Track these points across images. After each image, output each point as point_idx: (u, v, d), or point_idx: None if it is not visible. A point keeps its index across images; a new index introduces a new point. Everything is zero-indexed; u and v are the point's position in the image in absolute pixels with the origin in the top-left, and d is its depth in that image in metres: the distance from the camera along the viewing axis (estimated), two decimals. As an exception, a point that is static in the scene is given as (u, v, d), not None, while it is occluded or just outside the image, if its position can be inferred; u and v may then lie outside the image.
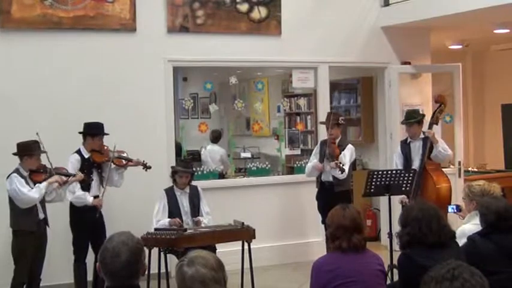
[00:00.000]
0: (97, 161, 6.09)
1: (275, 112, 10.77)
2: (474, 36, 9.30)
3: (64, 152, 6.03)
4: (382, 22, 8.14)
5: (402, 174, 6.18)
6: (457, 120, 8.44)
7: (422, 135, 6.81)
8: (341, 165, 6.48)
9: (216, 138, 9.81)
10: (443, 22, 7.71)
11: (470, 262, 2.41)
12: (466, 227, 4.46)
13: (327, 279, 3.43)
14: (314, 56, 7.85)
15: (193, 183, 6.46)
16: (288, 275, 7.17)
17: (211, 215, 6.35)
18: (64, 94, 6.73)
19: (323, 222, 6.25)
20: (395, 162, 6.96)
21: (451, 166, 8.30)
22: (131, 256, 2.58)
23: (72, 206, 6.02)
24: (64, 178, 5.74)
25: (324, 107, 7.93)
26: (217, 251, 5.69)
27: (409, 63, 8.33)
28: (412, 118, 6.85)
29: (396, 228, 3.92)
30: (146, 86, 7.10)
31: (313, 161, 6.94)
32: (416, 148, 6.81)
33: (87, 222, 5.99)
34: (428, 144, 6.70)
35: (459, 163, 8.32)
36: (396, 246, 4.42)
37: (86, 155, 6.05)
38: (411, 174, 6.21)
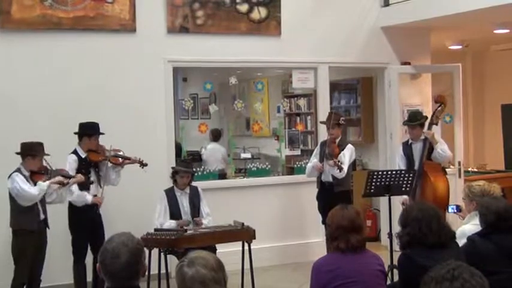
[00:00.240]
0: (94, 160, 6.10)
1: (275, 112, 10.77)
2: (474, 37, 9.31)
3: (64, 152, 6.03)
4: (382, 22, 8.14)
5: (402, 175, 6.18)
6: (457, 121, 8.44)
7: (422, 137, 6.81)
8: (339, 163, 6.48)
9: (216, 136, 9.83)
10: (443, 22, 7.71)
11: (470, 262, 2.41)
12: (466, 227, 4.46)
13: (327, 279, 3.43)
14: (314, 56, 7.85)
15: (193, 183, 6.46)
16: (288, 276, 7.17)
17: (212, 216, 6.35)
18: (64, 94, 6.73)
19: (323, 222, 6.24)
20: (398, 164, 6.96)
21: (451, 166, 8.30)
22: (131, 257, 2.58)
23: (70, 207, 6.02)
24: (66, 179, 5.74)
25: (324, 108, 7.93)
26: (217, 251, 5.69)
27: (409, 63, 8.33)
28: (416, 120, 6.84)
29: (396, 228, 3.92)
30: (146, 87, 7.10)
31: (313, 160, 6.94)
32: (418, 149, 6.82)
33: (86, 223, 5.99)
34: (428, 145, 6.71)
35: (459, 163, 8.33)
36: (396, 247, 4.42)
37: (83, 155, 6.05)
38: (411, 175, 6.22)
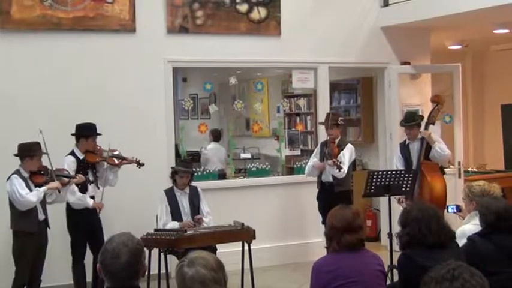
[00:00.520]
0: (91, 161, 6.09)
1: (275, 112, 10.77)
2: (474, 37, 9.31)
3: (64, 153, 6.03)
4: (381, 22, 8.14)
5: (402, 175, 6.18)
6: (456, 121, 8.44)
7: (419, 136, 6.83)
8: (338, 163, 6.48)
9: (217, 137, 9.84)
10: (443, 22, 7.71)
11: (470, 262, 2.41)
12: (466, 228, 4.46)
13: (327, 279, 3.43)
14: (314, 56, 7.85)
15: (193, 183, 6.46)
16: (288, 276, 7.17)
17: (212, 216, 6.35)
18: (64, 95, 6.73)
19: (323, 222, 6.24)
20: (396, 165, 6.97)
21: (451, 166, 8.30)
22: (131, 257, 2.58)
23: (68, 209, 6.02)
24: (65, 180, 5.73)
25: (323, 108, 7.93)
26: (217, 251, 5.69)
27: (408, 63, 8.33)
28: (413, 120, 6.86)
29: (396, 228, 3.92)
30: (146, 87, 7.10)
31: (313, 160, 6.94)
32: (415, 149, 6.84)
33: (84, 224, 5.98)
34: (425, 145, 6.73)
35: (459, 163, 8.32)
36: (396, 247, 4.42)
37: (81, 156, 6.05)
38: (411, 175, 6.22)
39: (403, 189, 6.17)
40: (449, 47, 9.93)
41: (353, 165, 7.27)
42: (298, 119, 10.26)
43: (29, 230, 5.55)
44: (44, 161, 5.70)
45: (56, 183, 5.64)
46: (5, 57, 6.59)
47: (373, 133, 9.04)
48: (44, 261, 5.78)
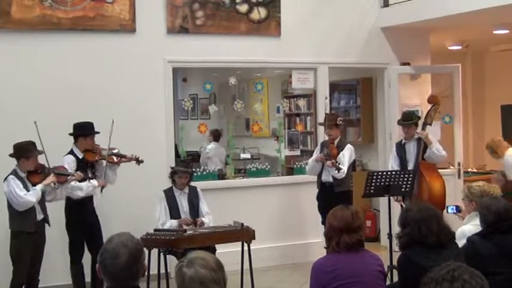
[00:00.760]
0: (91, 160, 6.09)
1: (275, 113, 10.78)
2: (474, 37, 9.31)
3: (63, 152, 6.03)
4: (381, 23, 8.14)
5: (402, 175, 6.19)
6: (456, 121, 8.44)
7: (416, 136, 6.85)
8: (337, 164, 6.48)
9: (217, 137, 9.86)
10: (443, 23, 7.72)
11: (470, 263, 2.41)
12: (466, 228, 4.46)
13: (327, 280, 3.43)
14: (314, 56, 7.85)
15: (193, 183, 6.46)
16: (288, 276, 7.17)
17: (211, 215, 6.34)
18: (63, 95, 6.73)
19: (323, 223, 6.24)
20: (391, 164, 6.99)
21: (451, 167, 8.31)
22: (131, 257, 2.58)
23: (68, 209, 6.01)
24: (64, 177, 5.73)
25: (323, 108, 7.91)
26: (217, 251, 5.69)
27: (408, 64, 8.33)
28: (411, 119, 6.91)
29: (396, 229, 3.92)
30: (146, 87, 7.10)
31: (315, 155, 6.92)
32: (411, 149, 6.88)
33: (83, 224, 5.98)
34: (422, 145, 6.75)
35: (459, 164, 8.32)
36: (396, 247, 4.42)
37: (80, 155, 6.05)
38: (411, 175, 6.22)
39: (403, 189, 6.18)
40: (449, 48, 9.94)
41: (353, 166, 7.27)
42: (298, 119, 10.26)
43: (27, 229, 5.54)
44: (43, 160, 5.70)
45: (51, 178, 5.62)
46: (4, 57, 6.59)
47: (372, 133, 9.04)
48: (42, 261, 5.78)
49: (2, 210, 5.72)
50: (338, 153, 6.70)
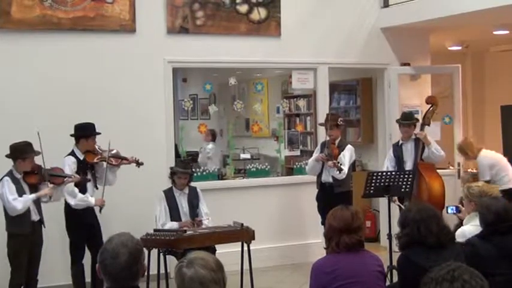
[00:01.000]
0: (91, 161, 6.08)
1: (274, 113, 10.78)
2: (474, 38, 9.31)
3: (63, 152, 6.02)
4: (381, 23, 8.14)
5: (401, 176, 6.19)
6: (456, 122, 8.44)
7: (413, 137, 6.86)
8: (339, 164, 6.49)
9: (215, 136, 9.87)
10: (443, 23, 7.72)
11: (470, 264, 2.40)
12: (466, 228, 4.46)
13: (327, 280, 3.42)
14: (314, 57, 7.85)
15: (193, 184, 6.45)
16: (288, 276, 7.17)
17: (211, 216, 6.35)
18: (63, 95, 6.73)
19: (323, 223, 6.25)
20: (387, 165, 7.00)
21: (451, 167, 8.31)
22: (131, 257, 2.57)
23: (67, 210, 6.00)
24: (60, 179, 5.70)
25: (323, 108, 7.93)
26: (216, 252, 5.69)
27: (408, 64, 8.33)
28: (411, 119, 6.95)
29: (395, 229, 3.92)
30: (146, 87, 7.10)
31: (315, 155, 6.92)
32: (408, 150, 6.90)
33: (83, 225, 5.97)
34: (421, 145, 6.76)
35: (458, 164, 8.32)
36: (395, 247, 4.42)
37: (81, 157, 6.04)
38: (410, 176, 6.22)
39: (403, 189, 6.17)
40: (449, 48, 9.94)
41: (353, 166, 7.27)
42: (297, 119, 10.26)
43: (21, 231, 5.52)
44: (39, 160, 5.67)
45: (46, 190, 5.61)
46: (4, 57, 6.59)
47: (372, 134, 9.04)
48: (40, 261, 5.76)
49: (0, 210, 5.72)
50: (339, 154, 6.70)
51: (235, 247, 6.08)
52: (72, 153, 6.02)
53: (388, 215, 6.13)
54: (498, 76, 10.66)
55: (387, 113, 8.32)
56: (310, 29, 7.83)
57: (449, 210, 5.27)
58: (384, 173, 6.24)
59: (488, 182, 6.75)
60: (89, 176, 6.07)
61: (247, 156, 9.66)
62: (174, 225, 6.10)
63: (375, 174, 6.21)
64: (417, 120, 7.08)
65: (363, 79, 9.13)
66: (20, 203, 5.44)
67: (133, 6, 6.96)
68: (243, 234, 6.01)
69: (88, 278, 6.08)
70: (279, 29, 7.64)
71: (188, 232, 5.85)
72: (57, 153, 5.92)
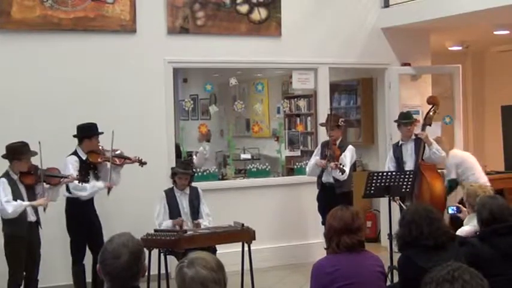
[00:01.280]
0: (94, 161, 6.08)
1: (275, 113, 10.77)
2: (474, 38, 9.31)
3: (63, 153, 6.03)
4: (382, 23, 8.14)
5: (402, 176, 6.19)
6: (457, 122, 8.44)
7: (414, 137, 6.86)
8: (341, 166, 6.49)
9: (210, 137, 9.87)
10: (443, 23, 7.72)
11: (470, 265, 2.40)
12: (465, 229, 4.47)
13: (327, 281, 3.42)
14: (314, 57, 7.85)
15: (193, 184, 6.46)
16: (288, 276, 7.17)
17: (212, 216, 6.35)
18: (64, 95, 6.73)
19: (323, 223, 6.25)
20: (388, 166, 7.00)
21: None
22: (131, 257, 2.58)
23: (68, 210, 6.01)
24: (56, 180, 5.68)
25: (323, 109, 7.93)
26: (217, 252, 5.69)
27: (409, 64, 8.33)
28: (410, 118, 6.96)
29: (396, 229, 3.92)
30: (146, 87, 7.10)
31: (315, 158, 6.93)
32: (408, 150, 6.89)
33: (84, 225, 5.98)
34: (422, 145, 6.76)
35: (459, 164, 8.31)
36: (396, 248, 4.42)
37: (84, 157, 6.04)
38: (411, 176, 6.22)
39: (403, 190, 6.18)
40: (450, 48, 9.94)
41: (353, 167, 7.27)
42: (298, 119, 10.26)
43: (18, 233, 5.50)
44: (37, 161, 5.66)
45: (41, 201, 5.58)
46: (5, 57, 6.59)
47: (373, 134, 9.04)
48: (39, 262, 5.75)
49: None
50: (340, 155, 6.70)
51: (235, 247, 6.08)
52: (75, 154, 6.02)
53: (388, 215, 6.13)
54: (498, 76, 10.66)
55: (388, 113, 8.32)
56: (311, 29, 7.83)
57: (450, 211, 5.28)
58: (384, 173, 6.24)
59: (454, 180, 6.78)
60: (92, 177, 6.06)
61: (248, 156, 9.66)
62: (168, 223, 6.11)
63: (375, 174, 6.21)
64: (416, 119, 7.09)
65: (364, 79, 9.12)
66: (11, 206, 5.38)
67: (133, 6, 6.96)
68: (243, 235, 6.01)
69: (89, 278, 6.08)
70: (279, 29, 7.64)
71: (189, 232, 5.85)
72: (56, 152, 5.92)
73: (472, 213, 4.52)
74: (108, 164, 6.10)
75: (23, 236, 5.53)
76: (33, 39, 6.64)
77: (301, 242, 7.73)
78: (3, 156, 5.58)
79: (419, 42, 8.37)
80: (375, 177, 6.11)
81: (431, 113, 7.04)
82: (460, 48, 9.95)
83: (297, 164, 8.25)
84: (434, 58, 8.75)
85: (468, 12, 6.83)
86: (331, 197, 6.56)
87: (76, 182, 5.81)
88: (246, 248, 6.02)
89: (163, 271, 5.95)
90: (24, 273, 5.64)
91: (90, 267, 5.92)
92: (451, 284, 2.07)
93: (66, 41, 6.75)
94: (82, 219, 5.97)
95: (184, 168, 6.34)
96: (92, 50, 6.86)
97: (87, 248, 6.09)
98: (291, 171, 8.62)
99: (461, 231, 4.42)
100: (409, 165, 6.83)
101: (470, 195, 4.72)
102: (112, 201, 6.27)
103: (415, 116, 7.32)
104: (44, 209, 5.63)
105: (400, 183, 6.14)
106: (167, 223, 6.13)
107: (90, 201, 6.07)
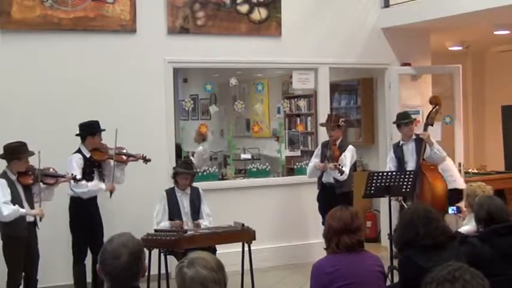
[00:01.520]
0: (98, 159, 6.08)
1: (275, 113, 10.77)
2: (474, 38, 9.31)
3: (63, 153, 6.02)
4: (382, 23, 8.14)
5: (402, 176, 6.19)
6: (457, 122, 8.44)
7: (414, 137, 6.85)
8: (340, 167, 6.48)
9: (206, 136, 9.89)
10: (443, 23, 7.72)
11: (470, 265, 2.40)
12: (465, 228, 4.47)
13: (327, 281, 3.42)
14: (314, 57, 7.85)
15: (194, 184, 6.45)
16: (288, 277, 7.16)
17: (212, 216, 6.35)
18: (64, 95, 6.73)
19: (323, 223, 6.24)
20: (389, 166, 6.99)
21: (452, 167, 8.30)
22: (131, 257, 2.57)
23: (72, 209, 6.01)
24: (53, 179, 5.68)
25: (324, 109, 7.93)
26: (217, 252, 5.69)
27: (409, 64, 8.33)
28: (409, 117, 6.96)
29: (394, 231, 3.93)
30: (146, 87, 7.10)
31: (315, 161, 6.93)
32: (409, 150, 6.88)
33: (86, 224, 5.98)
34: (423, 145, 6.75)
35: (459, 164, 8.31)
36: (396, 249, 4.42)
37: (87, 155, 6.04)
38: (411, 176, 6.22)
39: (403, 190, 6.17)
40: (450, 48, 9.94)
41: (354, 167, 7.27)
42: (298, 119, 10.25)
43: (16, 234, 5.49)
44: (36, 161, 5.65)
45: (36, 211, 5.58)
46: (5, 57, 6.59)
47: (373, 134, 9.04)
48: (38, 261, 5.74)
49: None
50: (340, 155, 6.69)
51: (236, 247, 6.08)
52: (79, 151, 6.02)
53: (388, 215, 6.13)
54: (499, 76, 10.65)
55: (388, 113, 8.31)
56: (311, 29, 7.83)
57: (450, 211, 5.27)
58: (385, 173, 6.23)
59: None
60: (96, 175, 6.06)
61: (248, 156, 9.67)
62: (166, 224, 6.10)
63: (376, 174, 6.21)
64: (415, 118, 7.09)
65: (364, 79, 9.12)
66: (7, 209, 5.35)
67: (133, 6, 6.96)
68: (243, 235, 6.01)
69: (89, 278, 6.08)
70: (279, 29, 7.64)
71: (189, 232, 5.85)
72: (56, 152, 5.92)
73: (472, 213, 4.51)
74: (112, 162, 6.10)
75: (22, 237, 5.53)
76: (33, 39, 6.64)
77: (302, 242, 7.73)
78: (1, 157, 5.58)
79: (419, 42, 8.36)
80: (375, 177, 6.10)
81: (433, 113, 7.01)
82: (460, 48, 9.95)
83: (297, 164, 8.25)
84: (435, 58, 8.74)
85: (468, 12, 6.82)
86: (331, 197, 6.56)
87: (72, 181, 5.79)
88: (246, 248, 6.02)
89: (163, 271, 5.95)
90: (23, 273, 5.63)
91: (90, 267, 5.91)
92: (452, 284, 2.07)
93: (66, 41, 6.75)
94: (85, 218, 5.97)
95: (186, 168, 6.34)
96: (92, 50, 6.86)
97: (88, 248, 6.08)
98: (291, 171, 8.62)
99: (462, 231, 4.42)
100: (411, 165, 6.81)
101: (470, 195, 4.72)
102: (112, 201, 6.26)
103: (414, 116, 7.33)
104: (40, 219, 5.62)
105: (400, 183, 6.13)
106: (165, 224, 6.12)
107: (94, 201, 6.07)
